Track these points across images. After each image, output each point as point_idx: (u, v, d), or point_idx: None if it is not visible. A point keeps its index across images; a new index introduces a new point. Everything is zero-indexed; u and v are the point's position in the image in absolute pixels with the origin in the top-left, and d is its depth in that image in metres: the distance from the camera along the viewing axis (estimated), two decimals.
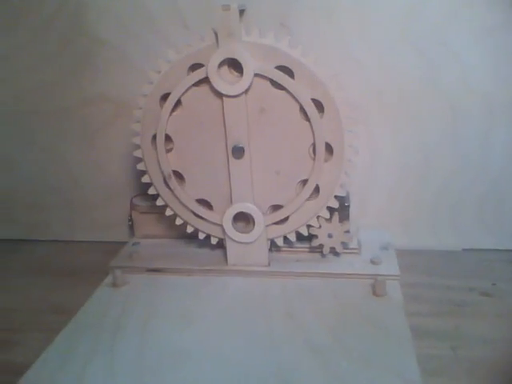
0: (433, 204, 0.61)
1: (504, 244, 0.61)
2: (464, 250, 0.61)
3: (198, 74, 0.49)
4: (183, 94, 0.50)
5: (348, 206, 0.54)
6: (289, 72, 0.48)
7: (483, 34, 0.54)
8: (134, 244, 0.62)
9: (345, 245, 0.55)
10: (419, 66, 0.56)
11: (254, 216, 0.52)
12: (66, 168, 0.66)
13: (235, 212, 0.53)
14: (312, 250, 0.56)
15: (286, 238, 0.54)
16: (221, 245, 0.56)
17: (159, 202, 0.55)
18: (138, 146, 0.53)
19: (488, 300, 0.52)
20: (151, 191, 0.55)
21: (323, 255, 0.55)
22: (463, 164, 0.59)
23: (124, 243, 0.62)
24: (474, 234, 0.61)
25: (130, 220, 0.63)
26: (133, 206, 0.62)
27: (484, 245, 0.61)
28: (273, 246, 0.55)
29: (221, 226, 0.54)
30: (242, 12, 0.48)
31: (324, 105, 0.48)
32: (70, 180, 0.67)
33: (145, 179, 0.55)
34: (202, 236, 0.56)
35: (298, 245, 0.56)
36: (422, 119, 0.58)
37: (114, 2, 0.58)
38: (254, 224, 0.53)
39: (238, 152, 0.50)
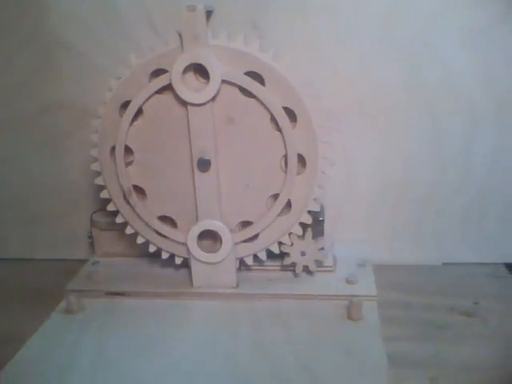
0: (413, 216, 0.58)
1: (486, 257, 0.59)
2: (444, 264, 0.59)
3: (161, 81, 0.45)
4: (145, 102, 0.46)
5: (322, 221, 0.51)
6: (259, 78, 0.44)
7: (470, 37, 0.51)
8: (93, 263, 0.57)
9: (319, 263, 0.51)
10: (400, 71, 0.53)
11: (221, 234, 0.49)
12: (25, 180, 0.62)
13: (201, 230, 0.49)
14: (284, 268, 0.52)
15: (256, 257, 0.51)
16: (186, 264, 0.52)
17: (119, 220, 0.51)
18: (96, 159, 0.49)
19: (470, 321, 0.49)
20: (110, 207, 0.51)
21: (296, 274, 0.52)
22: (445, 175, 0.56)
23: (87, 261, 0.58)
24: (456, 247, 0.59)
25: (90, 237, 0.58)
26: (93, 223, 0.57)
27: (465, 258, 0.59)
28: (242, 264, 0.52)
29: (185, 244, 0.50)
30: (209, 13, 0.45)
31: (296, 114, 0.45)
32: (30, 193, 0.62)
33: (104, 194, 0.51)
34: (165, 255, 0.52)
35: (270, 263, 0.53)
36: (403, 127, 0.55)
37: (78, 4, 0.55)
38: (221, 242, 0.49)
39: (204, 165, 0.47)
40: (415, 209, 0.58)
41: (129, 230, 0.52)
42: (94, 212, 0.58)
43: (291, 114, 0.45)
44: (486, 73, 0.52)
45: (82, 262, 0.58)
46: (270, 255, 0.51)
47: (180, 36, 0.44)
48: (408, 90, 0.54)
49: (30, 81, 0.58)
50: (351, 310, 0.47)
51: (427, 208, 0.58)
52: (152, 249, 0.52)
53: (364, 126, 0.55)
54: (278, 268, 0.53)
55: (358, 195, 0.58)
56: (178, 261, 0.52)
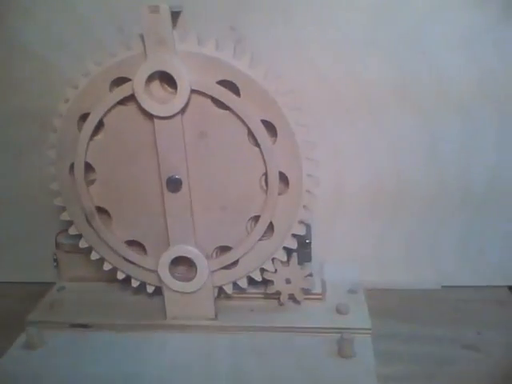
0: (408, 235, 0.54)
1: (487, 280, 0.54)
2: (444, 287, 0.54)
3: (123, 91, 0.40)
4: (105, 114, 0.41)
5: (309, 244, 0.46)
6: (234, 88, 0.39)
7: (464, 39, 0.47)
8: (58, 289, 0.52)
9: (306, 290, 0.46)
10: (390, 75, 0.49)
11: (196, 261, 0.43)
12: None
13: (173, 257, 0.44)
14: (268, 296, 0.47)
15: (236, 284, 0.45)
16: (160, 291, 0.47)
17: (82, 244, 0.46)
18: (54, 177, 0.44)
19: (473, 355, 0.44)
20: (72, 231, 0.46)
21: (281, 303, 0.47)
22: (442, 189, 0.52)
23: (53, 284, 0.53)
24: (454, 269, 0.54)
25: (55, 260, 0.53)
26: (57, 244, 0.52)
27: (465, 281, 0.54)
28: (221, 291, 0.46)
29: (156, 272, 0.44)
30: (176, 14, 0.40)
31: (277, 127, 0.40)
32: None
33: (64, 217, 0.45)
34: (135, 284, 0.47)
35: (252, 290, 0.47)
36: (395, 137, 0.50)
37: (38, 4, 0.50)
38: (196, 269, 0.44)
39: (174, 184, 0.42)
40: (410, 226, 0.53)
41: (94, 256, 0.46)
42: (60, 232, 0.52)
43: (271, 128, 0.40)
44: (483, 79, 0.48)
45: (48, 285, 0.53)
46: (253, 281, 0.46)
47: (142, 40, 0.38)
48: (399, 96, 0.49)
49: None
50: (342, 346, 0.42)
51: (423, 225, 0.53)
52: (120, 276, 0.47)
53: (352, 136, 0.51)
54: (262, 296, 0.48)
55: (347, 211, 0.53)
56: (150, 289, 0.47)
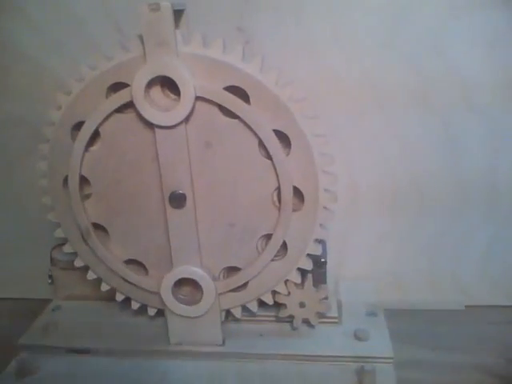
0: (429, 251, 0.50)
1: None
2: (467, 307, 0.50)
3: (121, 98, 0.36)
4: (102, 123, 0.37)
5: (325, 263, 0.42)
6: (243, 94, 0.35)
7: (486, 41, 0.43)
8: (53, 309, 0.49)
9: (321, 314, 0.42)
10: (408, 77, 0.45)
11: (202, 283, 0.40)
12: None
13: (176, 278, 0.40)
14: (280, 319, 0.43)
15: (245, 307, 0.42)
16: (162, 312, 0.43)
17: (78, 263, 0.42)
18: (47, 191, 0.40)
19: None
20: (67, 249, 0.42)
21: (294, 327, 0.43)
22: (464, 202, 0.48)
23: (48, 301, 0.50)
24: (479, 287, 0.50)
25: (50, 277, 0.49)
26: (52, 261, 0.48)
27: (490, 301, 0.50)
28: (228, 315, 0.43)
29: (159, 294, 0.41)
30: (179, 13, 0.36)
31: (290, 138, 0.36)
32: None
33: (58, 233, 0.42)
34: (135, 306, 0.43)
35: (262, 313, 0.43)
36: (414, 146, 0.47)
37: (31, 3, 0.46)
38: (202, 292, 0.40)
39: (178, 200, 0.38)
40: (430, 241, 0.49)
41: (90, 276, 0.43)
42: (55, 247, 0.49)
43: (284, 139, 0.36)
44: (507, 83, 0.44)
45: (42, 301, 0.50)
46: (263, 304, 0.42)
47: (142, 41, 0.34)
48: (417, 99, 0.45)
49: None
50: (363, 378, 0.38)
51: (445, 240, 0.49)
52: (119, 297, 0.43)
53: (369, 144, 0.47)
54: (273, 319, 0.44)
55: (362, 224, 0.49)
56: (152, 312, 0.43)
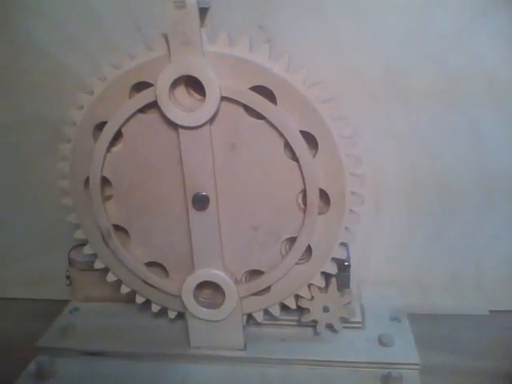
0: (452, 255, 0.49)
1: None
2: (492, 312, 0.49)
3: (144, 97, 0.35)
4: (124, 123, 0.37)
5: (348, 267, 0.41)
6: (269, 95, 0.34)
7: None
8: (71, 311, 0.48)
9: (345, 319, 0.41)
10: (433, 78, 0.44)
11: (224, 287, 0.39)
12: None
13: (198, 281, 0.39)
14: (302, 323, 0.42)
15: (267, 311, 0.41)
16: (183, 315, 0.42)
17: (98, 265, 0.42)
18: (67, 192, 0.40)
19: None
20: (87, 250, 0.41)
21: (317, 332, 0.42)
22: (490, 206, 0.47)
23: (66, 302, 0.49)
24: (503, 292, 0.49)
25: (68, 278, 0.49)
26: (71, 262, 0.48)
27: None
28: (250, 318, 0.42)
29: (179, 297, 0.40)
30: (204, 11, 0.35)
31: (317, 139, 0.35)
32: None
33: (78, 235, 0.41)
34: (155, 309, 0.42)
35: (284, 317, 0.43)
36: (439, 146, 0.46)
37: (48, 2, 0.45)
38: (224, 295, 0.39)
39: (201, 202, 0.37)
40: (454, 245, 0.48)
41: (110, 278, 0.42)
42: (73, 248, 0.48)
43: (311, 140, 0.35)
44: None
45: (60, 302, 0.50)
46: (285, 308, 0.41)
47: (167, 40, 0.34)
48: (443, 101, 0.44)
49: None
50: None
51: (468, 244, 0.48)
52: (140, 300, 0.42)
53: (393, 146, 0.46)
54: (295, 323, 0.43)
55: (387, 228, 0.48)
56: (172, 315, 0.42)
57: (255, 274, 0.40)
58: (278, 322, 0.43)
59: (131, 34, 0.45)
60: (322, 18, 0.43)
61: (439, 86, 0.43)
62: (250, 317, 0.42)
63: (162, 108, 0.35)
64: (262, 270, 0.39)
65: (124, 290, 0.42)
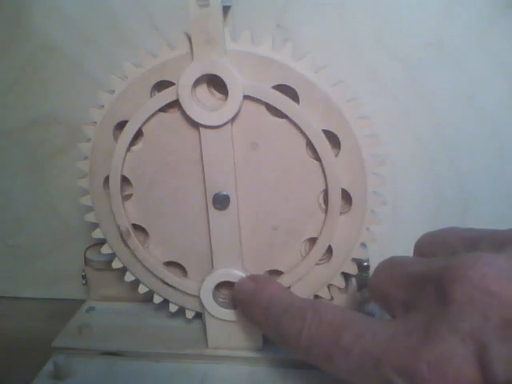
0: None
1: None
2: None
3: (166, 96, 0.35)
4: (145, 122, 0.36)
5: (368, 267, 0.41)
6: (292, 94, 0.34)
7: None
8: (87, 310, 0.48)
9: None
10: (454, 80, 0.43)
11: None
12: (7, 208, 0.53)
13: (217, 281, 0.39)
14: None
15: None
16: (200, 315, 0.42)
17: (116, 265, 0.41)
18: (86, 191, 0.40)
19: None
20: (105, 250, 0.41)
21: None
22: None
23: (81, 301, 0.49)
24: None
25: (84, 277, 0.48)
26: (87, 261, 0.48)
27: None
28: None
29: (198, 297, 0.40)
30: (227, 9, 0.35)
31: (340, 139, 0.35)
32: (13, 223, 0.53)
33: (96, 234, 0.41)
34: (173, 309, 0.42)
35: None
36: (460, 148, 0.45)
37: (64, 0, 0.45)
38: None
39: (221, 201, 0.37)
40: None
41: (128, 277, 0.42)
42: (89, 247, 0.48)
43: (333, 139, 0.35)
44: None
45: (77, 302, 0.49)
46: None
47: (189, 39, 0.33)
48: (464, 103, 0.43)
49: (9, 91, 0.48)
50: None
51: None
52: (157, 300, 0.42)
53: (414, 147, 0.45)
54: None
55: (405, 229, 0.48)
56: (190, 315, 0.42)
57: (275, 274, 0.40)
58: None
59: (148, 33, 0.45)
60: (342, 18, 0.43)
61: (461, 87, 0.43)
62: None
63: (184, 107, 0.35)
64: (282, 270, 0.39)
65: (142, 289, 0.42)
